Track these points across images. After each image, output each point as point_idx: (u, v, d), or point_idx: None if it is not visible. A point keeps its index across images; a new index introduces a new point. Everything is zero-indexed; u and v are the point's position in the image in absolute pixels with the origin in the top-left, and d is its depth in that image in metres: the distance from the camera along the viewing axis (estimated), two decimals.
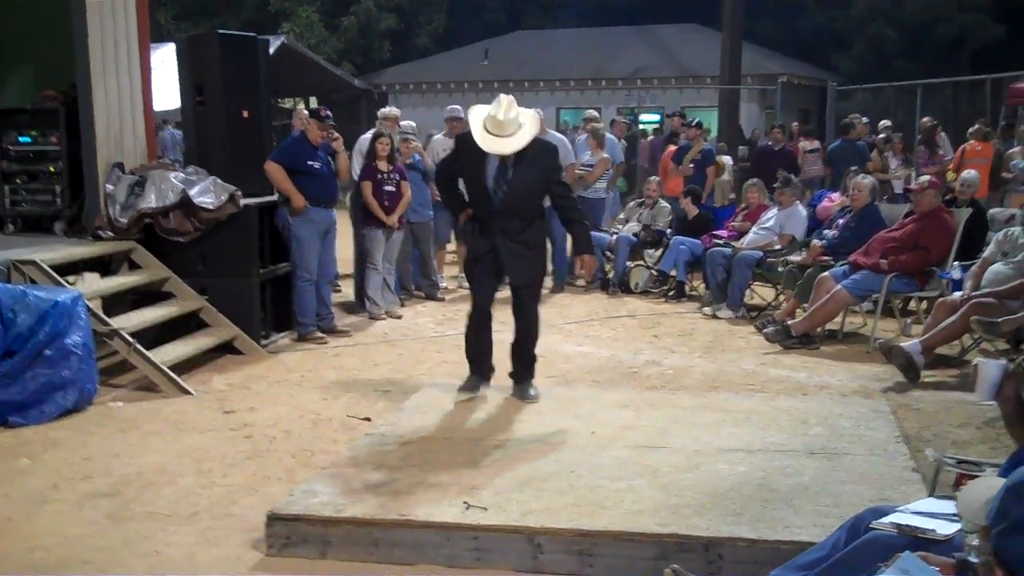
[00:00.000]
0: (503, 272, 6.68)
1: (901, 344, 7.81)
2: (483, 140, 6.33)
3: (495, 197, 6.45)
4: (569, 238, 12.31)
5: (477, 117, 6.42)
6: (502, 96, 6.42)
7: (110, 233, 8.62)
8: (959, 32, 32.74)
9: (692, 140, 14.24)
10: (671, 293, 11.55)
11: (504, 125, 6.26)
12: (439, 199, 10.36)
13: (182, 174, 8.85)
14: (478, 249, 6.69)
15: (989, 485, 2.93)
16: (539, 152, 6.53)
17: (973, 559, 2.91)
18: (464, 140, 6.62)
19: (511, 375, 6.92)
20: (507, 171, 6.42)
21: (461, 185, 6.84)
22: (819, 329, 9.18)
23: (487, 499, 4.81)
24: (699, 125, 14.72)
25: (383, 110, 11.80)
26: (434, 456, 5.50)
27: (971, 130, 14.81)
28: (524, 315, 6.82)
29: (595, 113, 14.02)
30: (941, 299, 8.14)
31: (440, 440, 5.79)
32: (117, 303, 8.68)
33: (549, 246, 11.96)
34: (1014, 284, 7.50)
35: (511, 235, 6.54)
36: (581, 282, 12.34)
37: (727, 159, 15.65)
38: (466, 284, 11.62)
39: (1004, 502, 2.65)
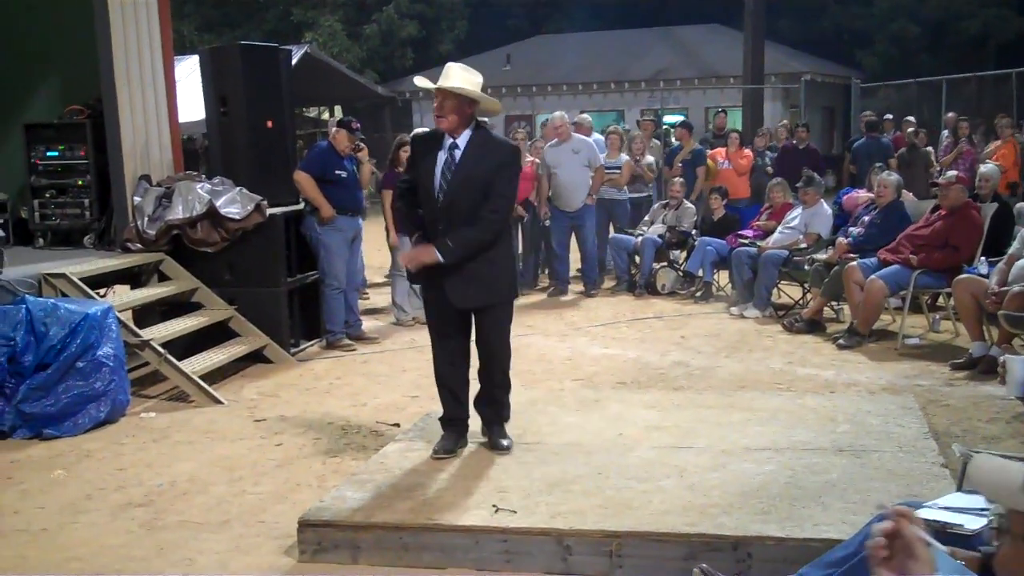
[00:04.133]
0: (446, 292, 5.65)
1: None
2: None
3: (439, 192, 5.62)
4: (599, 247, 12.45)
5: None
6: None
7: (139, 245, 8.70)
8: (983, 27, 32.51)
9: (682, 140, 14.28)
10: (698, 294, 11.54)
11: (447, 75, 5.66)
12: None
13: (208, 185, 8.93)
14: (428, 269, 5.67)
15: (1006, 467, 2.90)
16: (492, 147, 5.69)
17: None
18: (418, 138, 6.11)
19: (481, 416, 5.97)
20: (452, 162, 5.62)
21: None
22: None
23: (515, 502, 4.83)
24: (688, 126, 14.77)
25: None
26: (462, 460, 5.53)
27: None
28: (484, 345, 5.81)
29: (587, 116, 14.01)
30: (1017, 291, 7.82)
31: (468, 444, 5.81)
32: (147, 314, 8.79)
33: (577, 253, 12.09)
34: None
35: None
36: (608, 285, 12.36)
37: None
38: None
39: None
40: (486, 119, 6.02)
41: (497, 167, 5.61)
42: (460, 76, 5.64)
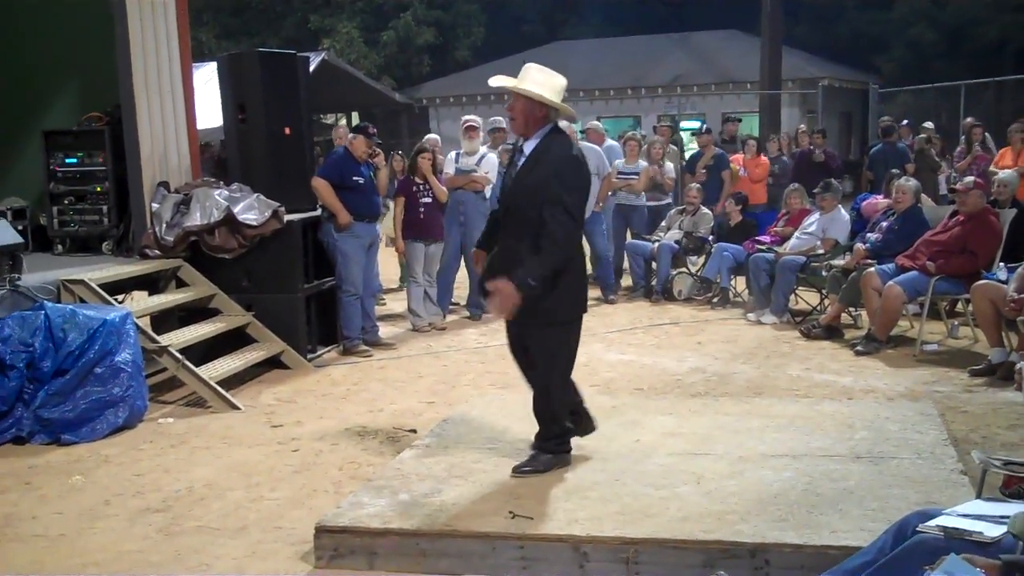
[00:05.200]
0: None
1: None
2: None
3: (498, 200, 5.50)
4: (616, 253, 12.43)
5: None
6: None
7: (157, 251, 8.73)
8: (1001, 33, 32.36)
9: (704, 147, 14.21)
10: (715, 300, 11.52)
11: (522, 75, 5.39)
12: None
13: (226, 191, 8.96)
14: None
15: None
16: (551, 155, 5.25)
17: None
18: (512, 144, 5.85)
19: None
20: (515, 169, 5.40)
21: None
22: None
23: (532, 508, 4.83)
24: (708, 131, 14.71)
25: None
26: (479, 466, 5.52)
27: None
28: (534, 366, 5.53)
29: (599, 123, 13.92)
30: None
31: (485, 450, 5.80)
32: (165, 320, 8.81)
33: (589, 261, 12.07)
34: None
35: (506, 252, 5.37)
36: (624, 288, 12.36)
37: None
38: None
39: None
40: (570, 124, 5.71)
41: (549, 176, 5.15)
42: (533, 78, 5.33)
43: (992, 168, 13.54)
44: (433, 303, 10.75)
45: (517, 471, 5.39)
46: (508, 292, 5.01)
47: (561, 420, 5.52)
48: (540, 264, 5.08)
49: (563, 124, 5.53)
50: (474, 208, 10.87)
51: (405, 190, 10.30)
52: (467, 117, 11.86)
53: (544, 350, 5.40)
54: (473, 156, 11.02)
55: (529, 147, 5.34)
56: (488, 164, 11.06)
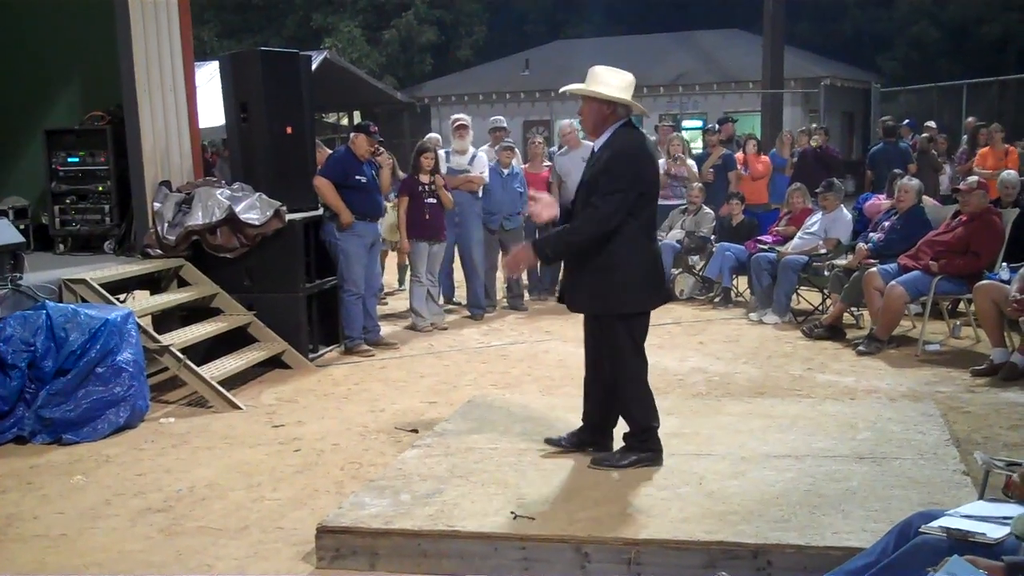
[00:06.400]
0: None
1: None
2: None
3: (575, 194, 5.63)
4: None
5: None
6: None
7: (159, 251, 8.73)
8: (1004, 31, 32.35)
9: (712, 147, 14.17)
10: (717, 299, 11.52)
11: (588, 77, 5.45)
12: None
13: (228, 191, 8.96)
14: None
15: None
16: (607, 150, 5.33)
17: None
18: None
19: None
20: (587, 168, 5.54)
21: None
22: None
23: (534, 509, 4.82)
24: (718, 130, 14.66)
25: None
26: (481, 466, 5.51)
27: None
28: (602, 357, 5.59)
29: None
30: None
31: (486, 450, 5.80)
32: (167, 320, 8.81)
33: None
34: None
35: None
36: None
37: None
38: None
39: None
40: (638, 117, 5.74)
41: (601, 172, 5.28)
42: (597, 77, 5.39)
43: (977, 168, 13.56)
44: (436, 303, 10.75)
45: (594, 463, 5.47)
46: (524, 253, 5.38)
47: (639, 418, 5.52)
48: (560, 239, 5.36)
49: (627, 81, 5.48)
50: (469, 208, 10.88)
51: (410, 190, 10.26)
52: (456, 116, 11.86)
53: (609, 340, 5.46)
54: (464, 155, 11.00)
55: (598, 145, 5.43)
56: (480, 163, 11.07)
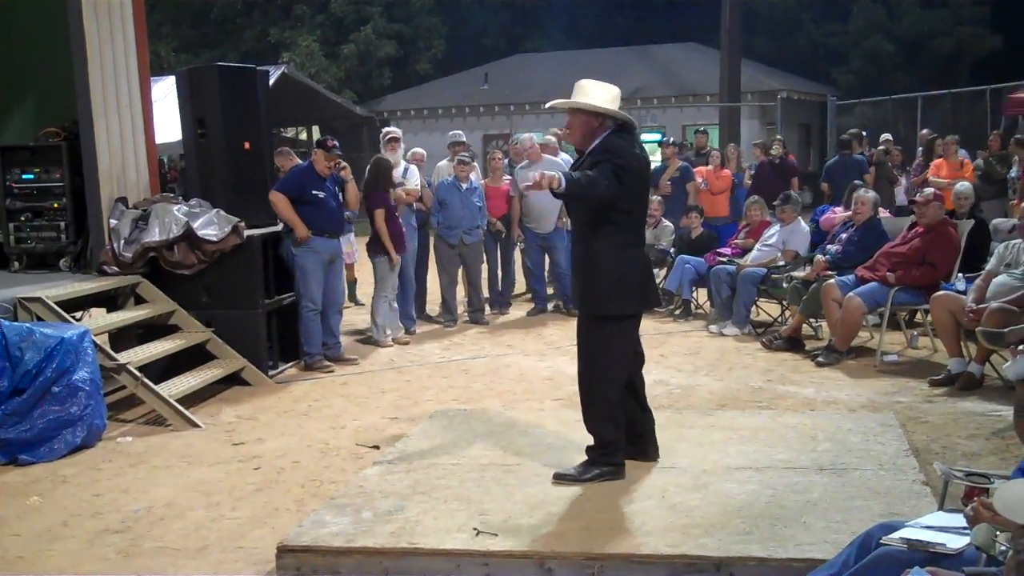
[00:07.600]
0: None
1: None
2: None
3: None
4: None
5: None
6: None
7: (115, 268, 8.64)
8: (957, 45, 32.81)
9: (668, 159, 14.23)
10: (677, 312, 11.56)
11: (575, 90, 5.59)
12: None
13: (185, 207, 8.90)
14: None
15: None
16: (599, 151, 5.39)
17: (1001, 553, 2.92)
18: None
19: None
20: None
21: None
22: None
23: (497, 525, 4.81)
24: (674, 143, 14.74)
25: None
26: (443, 483, 5.49)
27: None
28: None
29: (552, 137, 13.47)
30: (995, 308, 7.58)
31: (449, 466, 5.78)
32: (124, 337, 8.73)
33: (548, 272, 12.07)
34: (1020, 295, 7.48)
35: (575, 246, 5.75)
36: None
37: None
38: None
39: None
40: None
41: (601, 160, 5.30)
42: (585, 90, 5.50)
43: (933, 178, 13.69)
44: (395, 317, 10.70)
45: (557, 478, 5.45)
46: (550, 175, 5.06)
47: (604, 429, 5.51)
48: (590, 179, 5.20)
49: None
50: (406, 221, 10.85)
51: (385, 203, 10.18)
52: (388, 129, 11.91)
53: (588, 340, 5.51)
54: (396, 168, 10.86)
55: (589, 150, 5.48)
56: (413, 176, 11.10)
